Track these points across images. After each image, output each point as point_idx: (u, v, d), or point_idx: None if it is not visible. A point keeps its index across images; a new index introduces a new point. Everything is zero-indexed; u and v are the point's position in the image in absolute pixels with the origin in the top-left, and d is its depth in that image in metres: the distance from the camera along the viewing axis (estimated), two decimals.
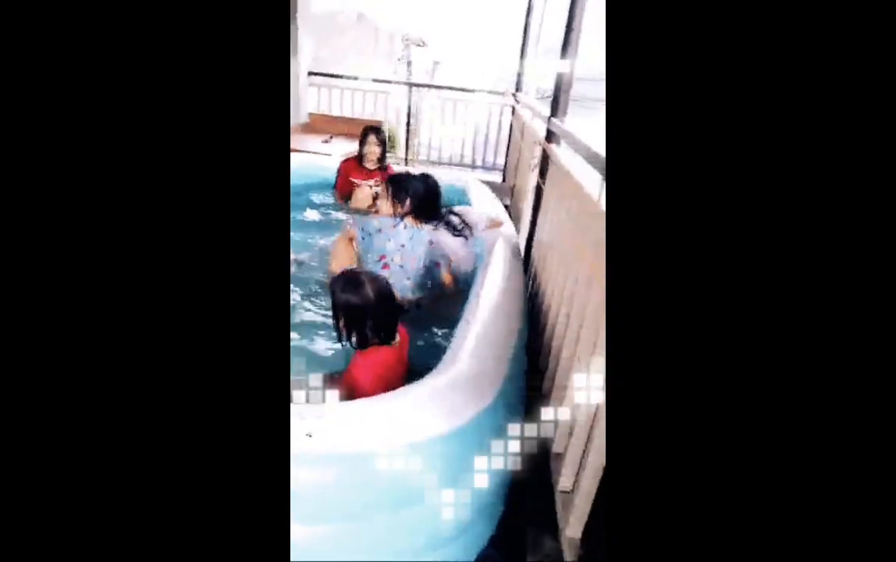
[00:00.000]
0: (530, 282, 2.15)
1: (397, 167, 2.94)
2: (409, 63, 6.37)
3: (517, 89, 4.08)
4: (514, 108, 4.10)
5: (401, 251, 1.86)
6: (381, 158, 2.81)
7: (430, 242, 1.87)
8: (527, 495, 1.33)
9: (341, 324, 1.29)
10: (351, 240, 1.91)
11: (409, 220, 1.89)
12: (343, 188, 2.82)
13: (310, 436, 0.91)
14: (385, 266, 1.86)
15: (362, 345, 1.28)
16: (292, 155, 3.24)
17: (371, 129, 2.82)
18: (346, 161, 2.88)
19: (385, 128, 4.23)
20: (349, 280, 1.30)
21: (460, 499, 1.01)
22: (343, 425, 0.96)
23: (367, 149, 2.77)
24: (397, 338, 1.34)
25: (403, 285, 1.81)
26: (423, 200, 1.91)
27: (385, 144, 2.84)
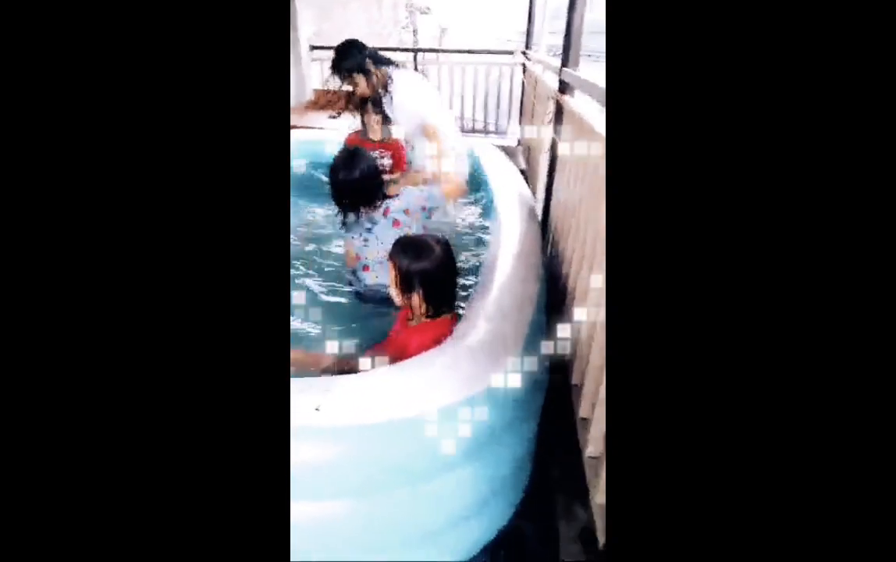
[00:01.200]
0: (550, 237, 2.06)
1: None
2: (414, 31, 6.19)
3: (527, 47, 3.91)
4: (524, 66, 3.95)
5: (367, 247, 1.61)
6: None
7: (395, 222, 1.61)
8: (554, 463, 1.27)
9: (419, 296, 1.19)
10: None
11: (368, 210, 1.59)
12: None
13: (318, 410, 0.87)
14: (366, 269, 1.66)
15: (437, 314, 1.21)
16: (298, 132, 3.18)
17: (369, 98, 2.54)
18: (350, 136, 2.78)
19: None
20: (415, 246, 1.20)
21: (481, 471, 0.96)
22: (357, 397, 0.92)
23: (367, 118, 2.61)
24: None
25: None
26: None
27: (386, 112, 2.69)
